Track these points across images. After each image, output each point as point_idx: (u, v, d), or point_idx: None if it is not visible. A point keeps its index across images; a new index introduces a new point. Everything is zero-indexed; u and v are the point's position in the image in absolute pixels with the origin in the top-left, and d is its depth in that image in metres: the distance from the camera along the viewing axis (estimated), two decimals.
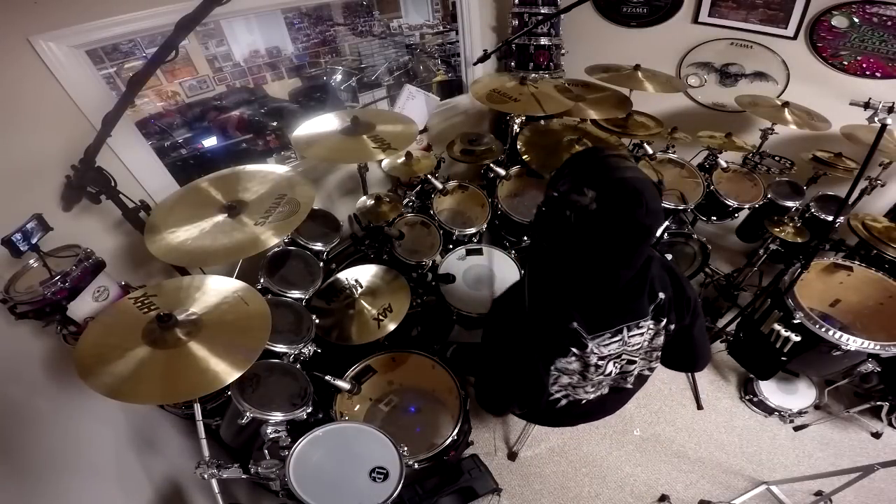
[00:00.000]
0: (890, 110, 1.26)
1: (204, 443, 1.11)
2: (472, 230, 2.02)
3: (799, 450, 1.90)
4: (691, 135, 2.22)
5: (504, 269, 1.98)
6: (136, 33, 1.48)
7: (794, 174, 2.15)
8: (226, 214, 1.32)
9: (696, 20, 2.30)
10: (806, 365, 1.85)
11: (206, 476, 1.09)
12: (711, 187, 2.05)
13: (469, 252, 2.00)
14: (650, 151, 2.16)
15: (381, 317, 1.70)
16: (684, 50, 2.41)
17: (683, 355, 1.31)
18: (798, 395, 1.99)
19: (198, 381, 0.99)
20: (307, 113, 2.25)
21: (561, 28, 2.45)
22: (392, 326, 1.68)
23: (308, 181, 1.46)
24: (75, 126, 1.34)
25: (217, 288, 1.21)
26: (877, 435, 1.91)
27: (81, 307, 1.21)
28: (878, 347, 1.53)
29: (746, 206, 2.03)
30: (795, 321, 1.62)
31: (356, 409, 1.77)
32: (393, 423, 1.80)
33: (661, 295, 1.08)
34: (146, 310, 1.13)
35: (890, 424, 1.91)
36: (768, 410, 1.99)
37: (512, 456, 1.90)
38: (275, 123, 2.43)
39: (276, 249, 1.64)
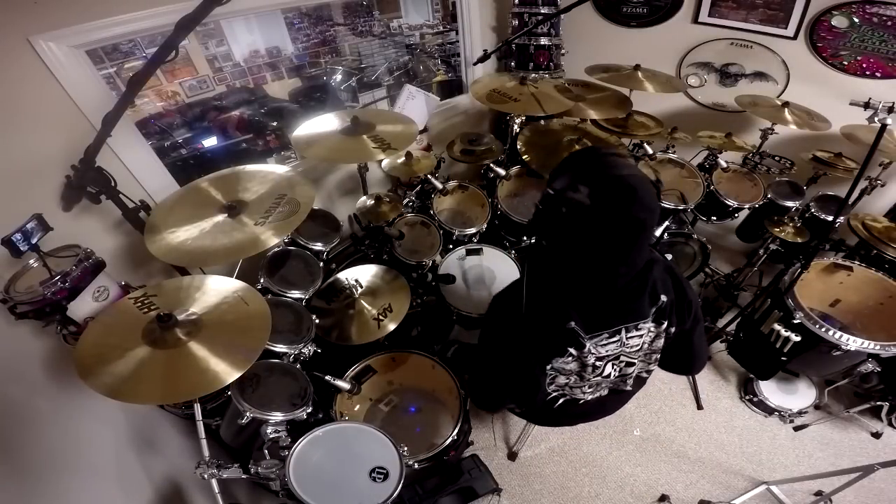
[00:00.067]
0: (890, 110, 1.26)
1: (204, 443, 1.11)
2: (472, 230, 2.02)
3: (799, 450, 1.90)
4: (691, 135, 2.22)
5: (504, 269, 1.98)
6: (136, 33, 1.48)
7: (794, 174, 2.15)
8: (226, 214, 1.32)
9: (696, 20, 2.30)
10: (806, 365, 1.85)
11: (206, 476, 1.09)
12: (711, 187, 2.05)
13: (469, 252, 2.00)
14: (650, 151, 2.16)
15: (381, 317, 1.70)
16: (684, 50, 2.41)
17: (681, 358, 1.31)
18: (798, 395, 1.99)
19: (198, 381, 0.99)
20: (307, 113, 2.26)
21: (561, 28, 2.45)
22: (392, 326, 1.68)
23: (308, 181, 1.46)
24: (75, 126, 1.34)
25: (217, 288, 1.21)
26: (877, 435, 1.91)
27: (81, 307, 1.21)
28: (878, 347, 1.53)
29: (746, 206, 2.03)
30: (795, 321, 1.62)
31: (356, 409, 1.77)
32: (393, 423, 1.80)
33: (664, 298, 1.07)
34: (146, 310, 1.13)
35: (890, 424, 1.91)
36: (768, 410, 1.99)
37: (512, 456, 1.90)
38: (275, 123, 2.43)
39: (276, 249, 1.64)
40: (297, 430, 1.27)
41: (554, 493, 1.80)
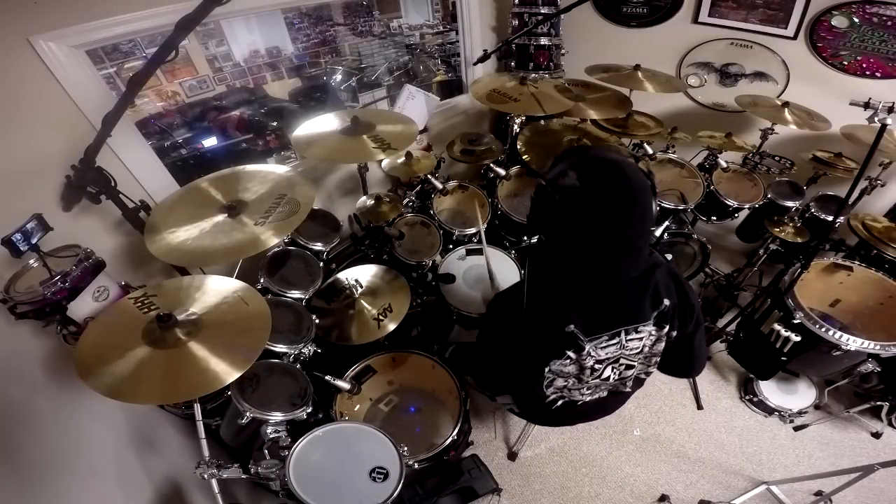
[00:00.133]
0: (890, 110, 1.26)
1: (204, 443, 1.11)
2: (472, 230, 2.02)
3: (799, 450, 1.90)
4: (691, 135, 2.22)
5: (504, 270, 1.98)
6: (136, 33, 1.48)
7: (794, 174, 2.15)
8: (226, 214, 1.32)
9: (696, 20, 2.30)
10: (806, 365, 1.85)
11: (206, 476, 1.09)
12: (711, 187, 2.05)
13: (469, 252, 2.00)
14: (650, 151, 2.16)
15: (381, 317, 1.70)
16: (684, 50, 2.41)
17: (680, 362, 1.31)
18: (798, 395, 1.99)
19: (198, 381, 0.99)
20: (307, 113, 2.26)
21: (561, 28, 2.45)
22: (392, 326, 1.68)
23: (308, 181, 1.46)
24: (75, 126, 1.34)
25: (217, 288, 1.21)
26: (877, 435, 1.91)
27: (81, 307, 1.21)
28: (878, 347, 1.53)
29: (746, 206, 2.03)
30: (795, 321, 1.62)
31: (356, 409, 1.77)
32: (393, 423, 1.80)
33: (667, 302, 1.07)
34: (146, 310, 1.13)
35: (890, 424, 1.91)
36: (768, 410, 1.99)
37: (512, 456, 1.90)
38: (275, 123, 2.43)
39: (276, 249, 1.64)
40: (297, 430, 1.27)
41: (554, 493, 1.80)
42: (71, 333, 1.24)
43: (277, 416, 1.25)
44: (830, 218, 1.75)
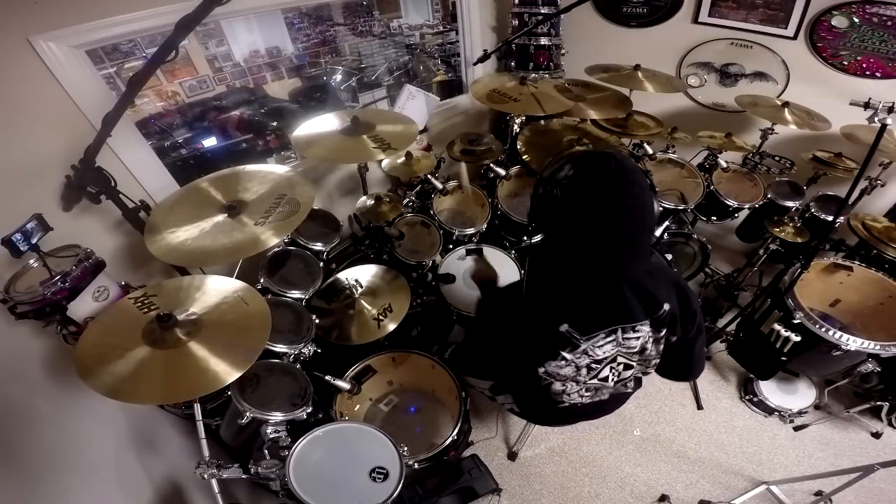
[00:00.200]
0: (890, 110, 1.26)
1: (204, 443, 1.11)
2: (472, 230, 2.03)
3: (799, 450, 1.90)
4: (691, 135, 2.22)
5: (504, 270, 1.98)
6: (136, 33, 1.48)
7: (794, 174, 2.15)
8: (226, 214, 1.32)
9: (696, 20, 2.30)
10: (806, 365, 1.85)
11: (206, 476, 1.09)
12: (711, 187, 2.05)
13: (469, 252, 2.00)
14: (650, 151, 2.16)
15: (381, 317, 1.70)
16: (684, 50, 2.41)
17: (679, 366, 1.31)
18: (798, 395, 1.99)
19: (198, 381, 0.99)
20: (307, 113, 2.26)
21: (561, 28, 2.45)
22: (392, 326, 1.68)
23: (308, 181, 1.46)
24: (75, 126, 1.34)
25: (217, 288, 1.21)
26: (877, 435, 1.91)
27: (81, 307, 1.21)
28: (878, 347, 1.53)
29: (746, 206, 2.03)
30: (795, 321, 1.62)
31: (356, 409, 1.77)
32: (393, 423, 1.80)
33: (666, 307, 1.07)
34: (146, 310, 1.13)
35: (890, 424, 1.91)
36: (768, 410, 1.99)
37: (512, 456, 1.90)
38: (275, 123, 2.43)
39: (276, 249, 1.64)
40: (297, 430, 1.27)
41: (554, 493, 1.80)
42: (71, 333, 1.24)
43: (277, 416, 1.25)
44: (830, 218, 1.75)
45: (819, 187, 2.14)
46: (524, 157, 2.05)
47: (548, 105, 1.96)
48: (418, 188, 2.15)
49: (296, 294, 1.59)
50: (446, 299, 1.85)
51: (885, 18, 1.89)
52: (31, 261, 1.22)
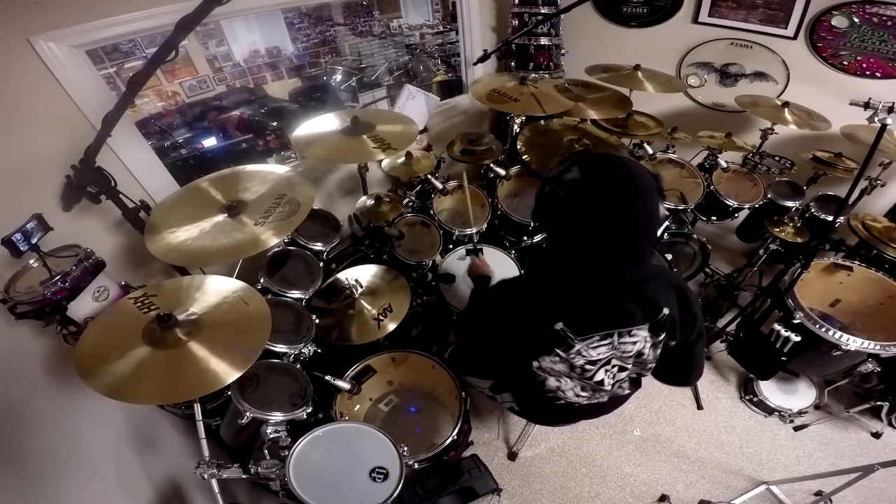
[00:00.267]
0: (890, 110, 1.26)
1: (204, 443, 1.11)
2: (472, 230, 2.02)
3: (799, 450, 1.90)
4: (691, 135, 2.22)
5: (504, 269, 1.98)
6: (136, 33, 1.48)
7: (794, 174, 2.15)
8: (226, 214, 1.32)
9: (696, 20, 2.30)
10: (806, 365, 1.85)
11: (206, 476, 1.09)
12: (711, 187, 2.05)
13: (469, 252, 2.00)
14: (650, 151, 2.16)
15: (381, 317, 1.70)
16: (684, 50, 2.41)
17: (678, 370, 1.30)
18: (798, 395, 1.99)
19: (198, 381, 0.99)
20: (307, 113, 2.26)
21: (561, 28, 2.45)
22: (392, 326, 1.68)
23: (308, 181, 1.46)
24: (75, 126, 1.34)
25: (217, 288, 1.21)
26: (877, 435, 1.91)
27: (81, 307, 1.21)
28: (878, 347, 1.53)
29: (746, 206, 2.03)
30: (795, 321, 1.62)
31: (356, 409, 1.77)
32: (393, 423, 1.80)
33: (665, 311, 1.06)
34: (146, 310, 1.13)
35: (890, 424, 1.91)
36: (768, 410, 1.99)
37: (512, 456, 1.90)
38: (275, 123, 2.44)
39: (276, 249, 1.64)
40: (297, 430, 1.27)
41: (554, 493, 1.80)
42: (71, 333, 1.24)
43: (277, 416, 1.25)
44: (830, 218, 1.75)
45: (819, 187, 2.14)
46: (524, 157, 2.05)
47: (548, 105, 1.96)
48: (418, 188, 2.15)
49: (296, 294, 1.59)
50: (446, 299, 1.85)
51: (885, 18, 1.89)
52: (31, 261, 1.22)
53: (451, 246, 2.03)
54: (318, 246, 1.76)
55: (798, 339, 1.61)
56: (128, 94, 1.17)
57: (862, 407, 1.88)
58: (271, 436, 1.24)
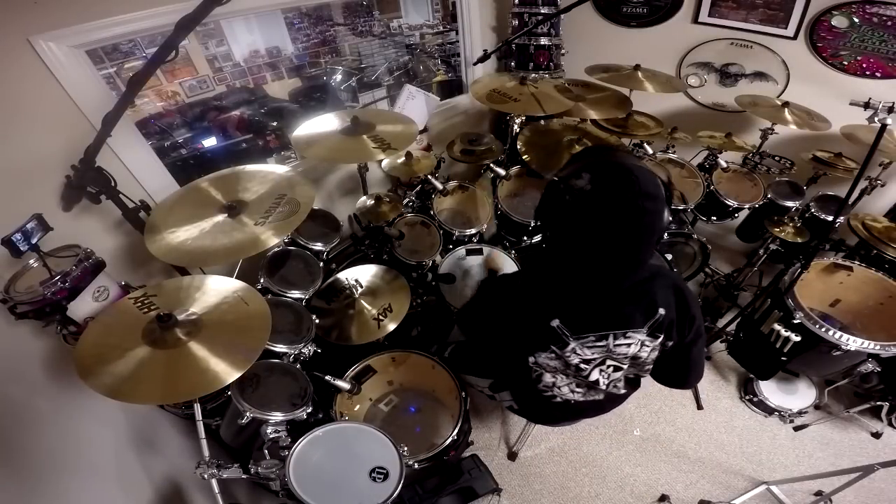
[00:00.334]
0: (890, 110, 1.26)
1: (204, 443, 1.11)
2: (473, 230, 2.03)
3: (799, 450, 1.90)
4: (691, 135, 2.22)
5: (504, 270, 1.98)
6: (136, 33, 1.47)
7: (794, 174, 2.15)
8: (226, 214, 1.32)
9: (696, 20, 2.30)
10: (806, 365, 1.85)
11: (206, 476, 1.09)
12: (711, 187, 2.05)
13: (469, 252, 2.00)
14: (650, 151, 2.16)
15: (381, 317, 1.70)
16: (684, 50, 2.41)
17: (676, 372, 1.29)
18: (798, 395, 1.99)
19: (198, 381, 0.99)
20: (307, 113, 2.26)
21: (561, 28, 2.45)
22: (392, 326, 1.68)
23: (308, 181, 1.46)
24: (75, 126, 1.34)
25: (217, 288, 1.21)
26: (877, 435, 1.91)
27: (81, 307, 1.21)
28: (878, 347, 1.53)
29: (746, 206, 2.03)
30: (795, 321, 1.62)
31: (356, 409, 1.77)
32: (393, 423, 1.80)
33: (662, 311, 1.06)
34: (146, 310, 1.13)
35: (890, 424, 1.92)
36: (768, 410, 1.99)
37: (512, 456, 1.90)
38: (275, 123, 2.44)
39: (276, 249, 1.64)
40: (297, 430, 1.27)
41: (554, 493, 1.80)
42: (71, 333, 1.24)
43: (277, 416, 1.25)
44: (830, 218, 1.75)
45: (819, 187, 2.14)
46: (524, 157, 2.05)
47: (548, 105, 1.96)
48: (418, 188, 2.15)
49: (296, 294, 1.59)
50: (446, 299, 1.85)
51: (885, 18, 1.89)
52: (31, 261, 1.21)
53: (451, 246, 2.03)
54: (318, 246, 1.76)
55: (798, 339, 1.61)
56: (128, 94, 1.17)
57: (862, 407, 1.88)
58: (271, 436, 1.24)
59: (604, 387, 1.23)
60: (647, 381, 1.35)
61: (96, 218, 1.48)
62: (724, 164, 2.11)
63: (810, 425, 1.93)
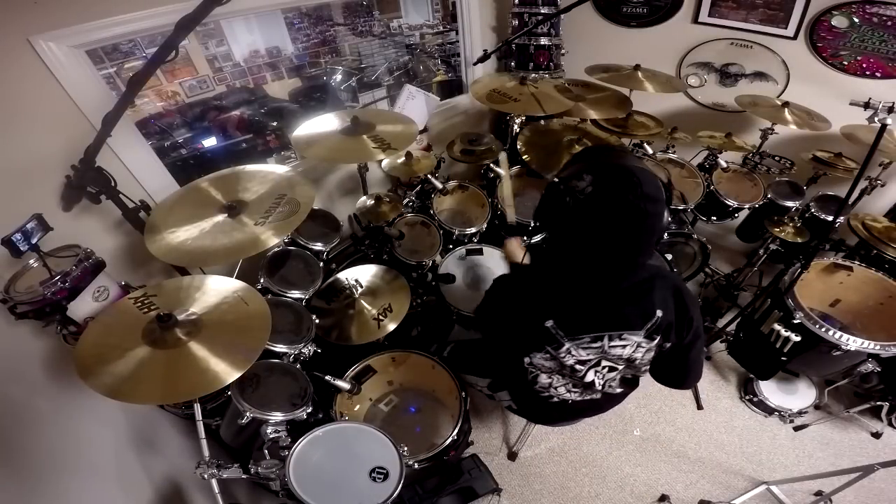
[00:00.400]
0: (890, 110, 1.26)
1: (204, 443, 1.11)
2: (473, 230, 2.03)
3: (799, 450, 1.90)
4: (691, 135, 2.22)
5: (503, 270, 1.98)
6: (136, 33, 1.47)
7: (794, 174, 2.15)
8: (226, 214, 1.32)
9: (696, 20, 2.30)
10: (806, 365, 1.85)
11: (206, 476, 1.09)
12: (711, 187, 2.05)
13: (469, 252, 2.00)
14: (650, 151, 2.16)
15: (381, 317, 1.70)
16: (684, 50, 2.41)
17: (675, 372, 1.28)
18: (798, 395, 1.99)
19: (198, 381, 0.99)
20: (307, 113, 2.26)
21: (561, 28, 2.45)
22: (392, 326, 1.68)
23: (308, 181, 1.46)
24: (75, 126, 1.34)
25: (217, 288, 1.21)
26: (877, 435, 1.91)
27: (81, 307, 1.21)
28: (878, 347, 1.52)
29: (746, 206, 2.03)
30: (795, 321, 1.62)
31: (356, 409, 1.77)
32: (393, 423, 1.80)
33: (659, 313, 1.05)
34: (146, 310, 1.13)
35: (890, 424, 1.92)
36: (768, 410, 1.99)
37: (512, 456, 1.90)
38: (275, 123, 2.44)
39: (276, 249, 1.64)
40: (297, 430, 1.27)
41: (554, 493, 1.80)
42: (71, 333, 1.24)
43: (277, 416, 1.25)
44: (830, 218, 1.75)
45: (819, 187, 2.14)
46: (524, 157, 2.05)
47: (548, 105, 1.96)
48: (418, 188, 2.15)
49: (296, 294, 1.59)
50: (446, 299, 1.85)
51: (885, 18, 1.89)
52: (31, 261, 1.22)
53: (451, 246, 2.03)
54: (318, 246, 1.76)
55: (798, 339, 1.61)
56: (128, 94, 1.17)
57: (862, 407, 1.88)
58: (271, 436, 1.24)
59: (599, 387, 1.23)
60: (647, 382, 1.35)
61: (96, 218, 1.48)
62: (724, 164, 2.11)
63: (810, 425, 1.93)
